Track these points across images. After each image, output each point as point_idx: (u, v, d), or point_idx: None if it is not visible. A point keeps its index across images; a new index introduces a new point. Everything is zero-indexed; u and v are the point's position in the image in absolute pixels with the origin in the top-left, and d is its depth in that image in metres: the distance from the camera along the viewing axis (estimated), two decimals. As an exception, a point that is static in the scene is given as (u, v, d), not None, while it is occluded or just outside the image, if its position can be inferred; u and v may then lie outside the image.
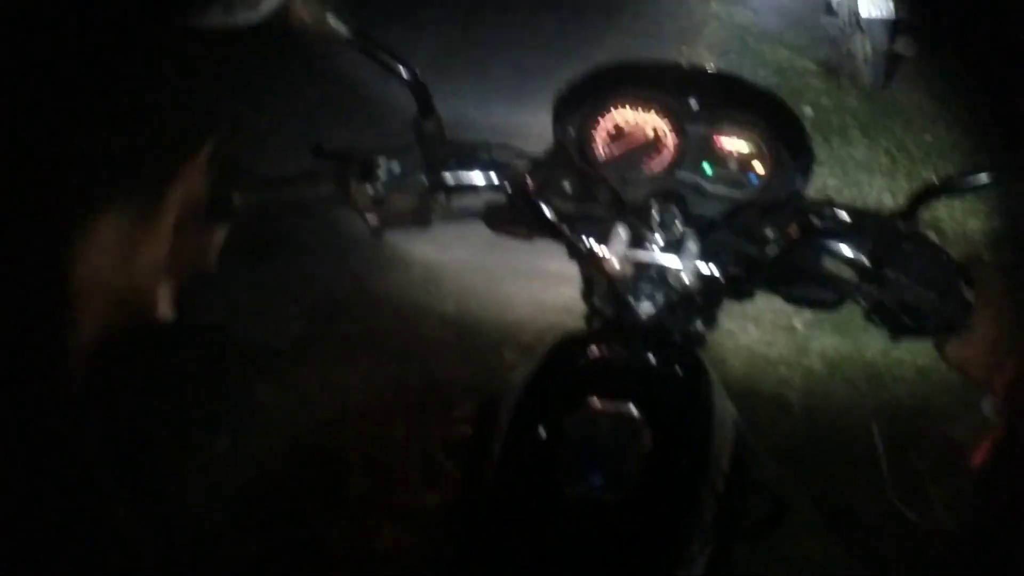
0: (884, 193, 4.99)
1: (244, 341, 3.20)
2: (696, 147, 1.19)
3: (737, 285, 1.16)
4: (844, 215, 1.14)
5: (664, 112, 1.20)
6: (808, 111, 5.79)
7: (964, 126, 5.97)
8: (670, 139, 1.19)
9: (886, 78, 6.41)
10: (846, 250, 1.12)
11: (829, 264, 1.14)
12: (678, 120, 1.19)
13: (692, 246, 1.08)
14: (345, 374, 3.30)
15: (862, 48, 6.31)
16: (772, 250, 1.12)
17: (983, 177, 1.09)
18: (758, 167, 1.19)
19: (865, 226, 1.14)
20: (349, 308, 3.56)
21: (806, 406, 3.48)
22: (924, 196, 1.13)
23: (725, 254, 1.13)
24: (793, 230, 1.11)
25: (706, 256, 1.10)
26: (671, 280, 1.08)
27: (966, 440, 2.75)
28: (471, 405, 3.03)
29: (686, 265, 1.07)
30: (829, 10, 6.65)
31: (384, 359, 3.35)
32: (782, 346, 3.65)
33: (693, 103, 1.20)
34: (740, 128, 1.20)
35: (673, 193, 1.15)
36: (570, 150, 1.21)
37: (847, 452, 3.21)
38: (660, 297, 1.09)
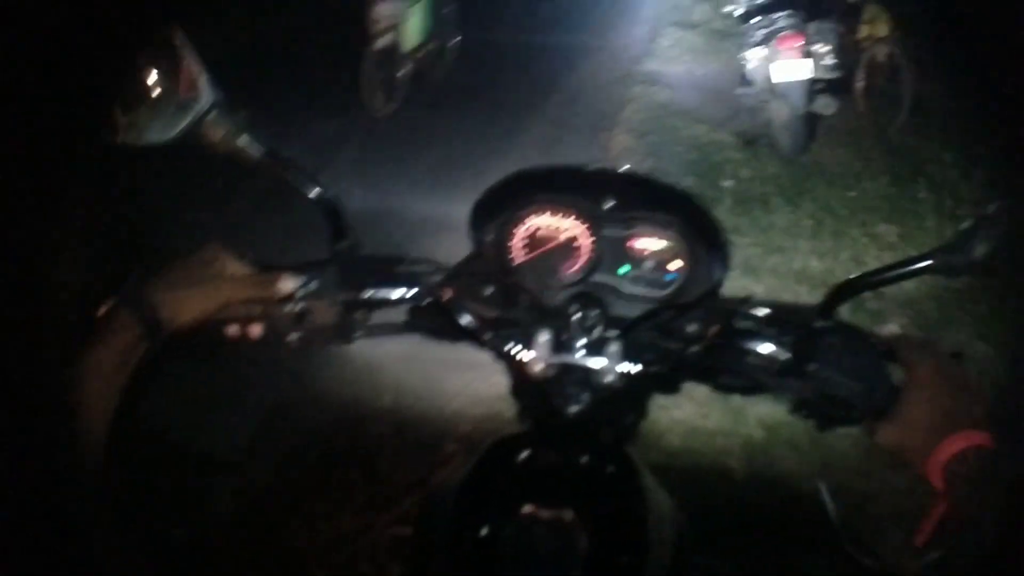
0: (810, 256, 5.04)
1: (193, 449, 3.18)
2: (612, 248, 1.20)
3: (661, 381, 1.18)
4: (763, 312, 1.15)
5: (579, 215, 1.21)
6: (728, 183, 5.93)
7: (890, 178, 6.20)
8: (586, 242, 1.20)
9: (805, 141, 6.59)
10: (766, 348, 1.12)
11: (752, 359, 1.14)
12: (593, 223, 1.21)
13: (614, 347, 1.08)
14: (293, 475, 3.28)
15: (779, 114, 6.52)
16: (694, 348, 1.12)
17: (901, 270, 1.11)
18: (675, 265, 1.19)
19: (784, 323, 1.14)
20: (293, 410, 3.55)
21: (749, 473, 3.50)
22: (843, 291, 1.14)
23: (647, 353, 1.12)
24: (713, 331, 1.12)
25: (628, 356, 1.09)
26: (595, 380, 1.08)
27: (915, 488, 2.77)
28: (413, 501, 3.04)
29: (609, 366, 1.07)
30: (744, 81, 6.89)
31: (330, 458, 3.33)
32: (718, 417, 3.67)
33: (607, 205, 1.22)
34: (655, 228, 1.21)
35: (592, 295, 1.17)
36: (488, 255, 1.22)
37: (795, 514, 3.22)
38: (586, 397, 1.08)
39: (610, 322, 1.12)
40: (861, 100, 7.88)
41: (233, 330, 1.15)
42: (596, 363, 1.07)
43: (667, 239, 1.19)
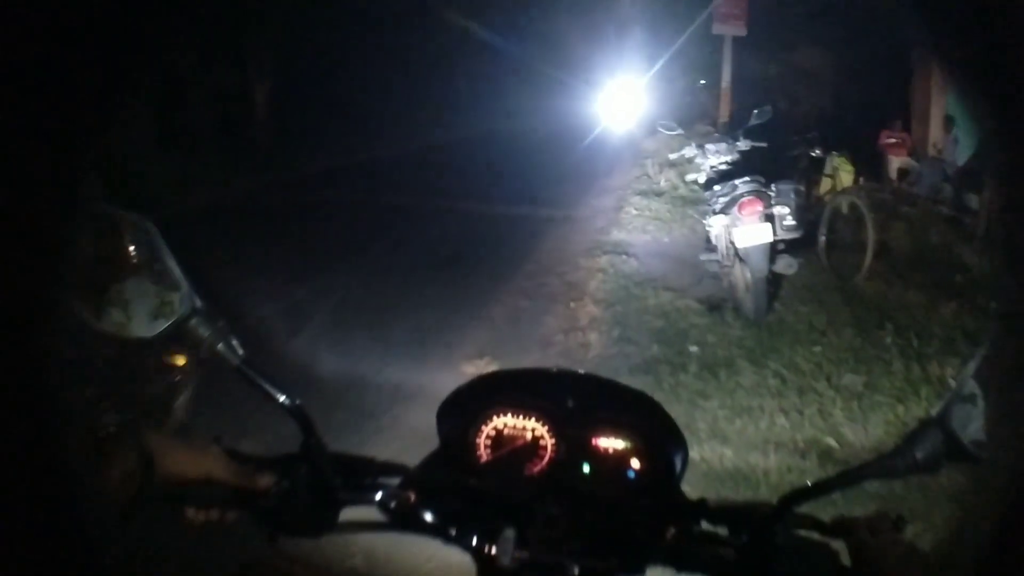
0: (776, 414, 5.04)
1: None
2: (575, 447, 1.24)
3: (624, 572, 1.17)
4: (717, 514, 1.18)
5: (542, 416, 1.25)
6: (694, 349, 5.98)
7: (854, 329, 6.26)
8: (550, 441, 1.24)
9: (769, 303, 6.68)
10: (721, 551, 1.14)
11: (708, 556, 1.15)
12: (556, 423, 1.25)
13: (576, 543, 1.11)
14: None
15: (742, 278, 6.61)
16: (654, 546, 1.15)
17: (850, 477, 1.14)
18: (635, 463, 1.23)
19: (739, 524, 1.16)
20: (264, 571, 3.50)
21: None
22: (794, 498, 1.15)
23: (608, 549, 1.13)
24: (671, 533, 1.15)
25: (590, 552, 1.11)
26: (561, 573, 1.10)
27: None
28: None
29: (570, 563, 1.09)
30: (708, 247, 7.05)
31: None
32: None
33: (570, 406, 1.26)
34: (615, 427, 1.25)
35: (555, 493, 1.19)
36: (455, 453, 1.27)
37: None
38: None
39: (573, 519, 1.14)
40: (824, 254, 8.04)
41: (213, 513, 1.19)
42: (559, 559, 1.10)
43: (627, 439, 1.23)
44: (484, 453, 1.29)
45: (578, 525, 1.14)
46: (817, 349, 6.07)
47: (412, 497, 1.22)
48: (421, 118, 22.10)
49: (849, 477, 1.13)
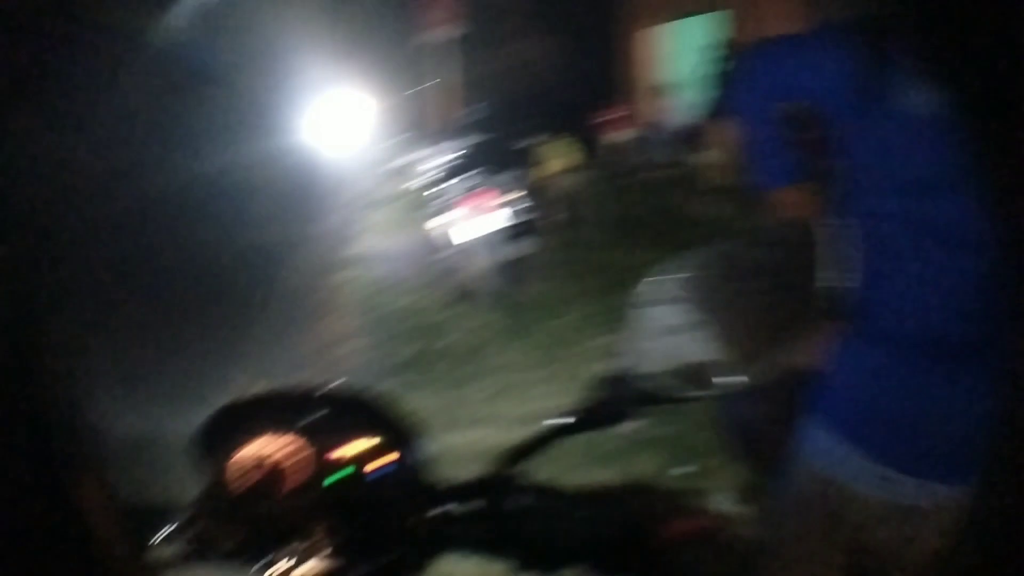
0: (539, 385, 5.28)
1: None
2: (324, 458, 1.23)
3: (400, 569, 1.18)
4: (459, 492, 1.20)
5: (288, 434, 1.24)
6: (448, 341, 6.14)
7: (600, 294, 6.55)
8: (300, 456, 1.23)
9: (510, 285, 6.90)
10: (471, 526, 1.17)
11: (464, 528, 1.18)
12: (301, 439, 1.24)
13: (352, 549, 1.13)
14: None
15: (480, 268, 6.83)
16: (415, 533, 1.17)
17: (559, 431, 1.18)
18: (379, 463, 1.23)
19: (478, 491, 1.19)
20: None
21: None
22: (509, 461, 1.19)
23: (380, 548, 1.16)
24: (425, 519, 1.17)
25: (365, 555, 1.13)
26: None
27: None
28: None
29: (351, 569, 1.12)
30: (445, 244, 7.16)
31: None
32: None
33: (312, 419, 1.26)
34: (355, 433, 1.25)
35: (316, 507, 1.20)
36: (218, 486, 1.26)
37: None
38: None
39: (340, 527, 1.16)
40: (558, 232, 8.37)
41: None
42: (341, 568, 1.12)
43: (367, 440, 1.24)
44: (244, 481, 1.30)
45: (347, 532, 1.16)
46: (563, 320, 6.35)
47: (192, 533, 1.22)
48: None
49: (557, 431, 1.17)
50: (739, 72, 2.29)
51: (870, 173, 1.91)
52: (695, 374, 1.12)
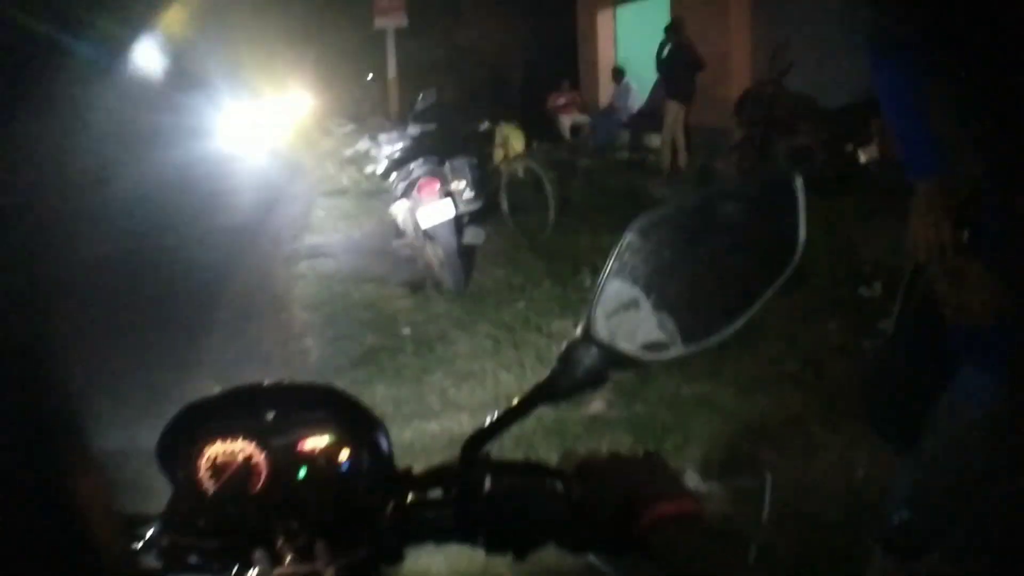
0: (499, 371, 5.31)
1: None
2: (285, 457, 1.24)
3: (374, 563, 1.18)
4: (426, 479, 1.20)
5: (247, 435, 1.24)
6: (407, 331, 6.14)
7: (552, 280, 6.60)
8: (260, 458, 1.23)
9: (465, 273, 6.91)
10: (440, 512, 1.17)
11: (430, 517, 1.18)
12: (260, 438, 1.24)
13: (320, 547, 1.12)
14: None
15: (435, 255, 6.82)
16: (383, 525, 1.17)
17: (519, 411, 1.15)
18: (343, 455, 1.24)
19: (442, 478, 1.19)
20: None
21: None
22: (475, 441, 1.17)
23: (350, 543, 1.15)
24: (391, 506, 1.17)
25: (337, 552, 1.12)
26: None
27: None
28: None
29: (322, 567, 1.10)
30: (398, 233, 7.19)
31: None
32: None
33: (269, 419, 1.26)
34: (315, 427, 1.26)
35: (284, 505, 1.19)
36: (184, 493, 1.24)
37: None
38: None
39: (309, 525, 1.16)
40: (510, 219, 8.38)
41: None
42: (313, 567, 1.11)
43: (329, 434, 1.25)
44: (209, 486, 1.27)
45: (316, 529, 1.15)
46: (521, 305, 6.38)
47: (164, 543, 1.20)
48: None
49: (520, 408, 1.16)
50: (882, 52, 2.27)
51: None
52: (657, 340, 1.11)
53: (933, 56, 2.07)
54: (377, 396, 4.94)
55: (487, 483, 1.15)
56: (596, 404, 5.03)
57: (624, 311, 1.11)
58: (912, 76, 2.19)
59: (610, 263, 1.10)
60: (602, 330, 1.08)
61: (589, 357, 1.10)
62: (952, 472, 2.26)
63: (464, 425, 4.65)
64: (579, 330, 1.09)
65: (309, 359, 5.96)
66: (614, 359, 1.10)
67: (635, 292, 1.11)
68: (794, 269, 1.13)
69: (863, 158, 8.46)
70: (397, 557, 1.19)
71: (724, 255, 1.17)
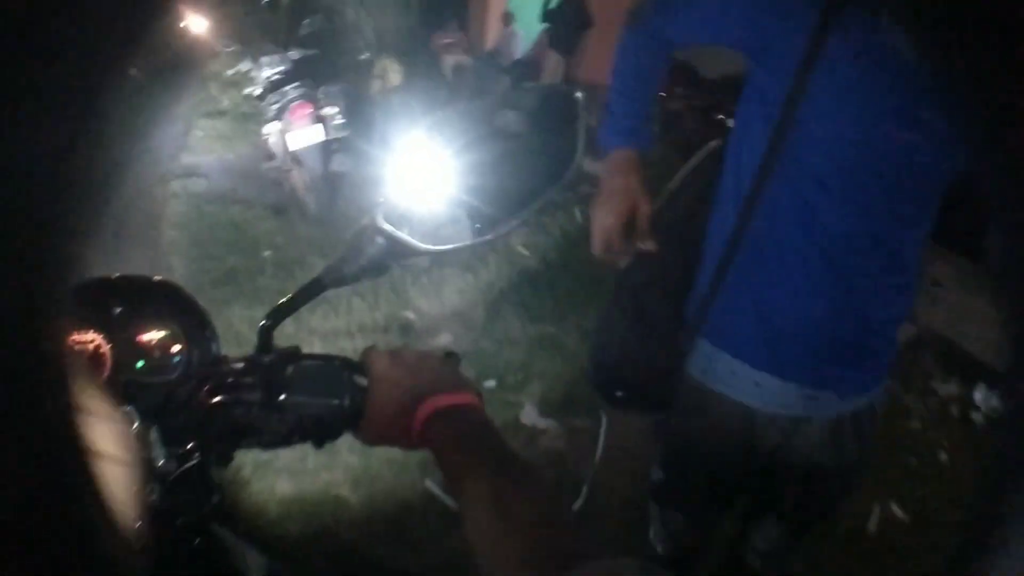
0: (353, 299, 5.51)
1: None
2: (127, 348, 1.26)
3: (211, 456, 1.21)
4: (236, 365, 1.23)
5: (95, 326, 1.26)
6: (267, 253, 6.30)
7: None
8: (105, 348, 1.25)
9: (330, 200, 7.02)
10: (247, 395, 1.19)
11: (246, 410, 1.20)
12: (107, 330, 1.26)
13: (153, 437, 1.13)
14: None
15: (302, 180, 6.93)
16: (208, 417, 1.19)
17: (305, 294, 1.21)
18: (176, 349, 1.27)
19: (254, 368, 1.21)
20: None
21: (360, 498, 3.84)
22: (265, 329, 1.22)
23: (183, 434, 1.17)
24: (204, 397, 1.19)
25: (170, 442, 1.14)
26: (157, 473, 1.13)
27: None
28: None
29: (157, 454, 1.12)
30: (268, 156, 7.23)
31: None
32: (315, 457, 3.86)
33: (116, 312, 1.28)
34: (153, 321, 1.28)
35: (124, 394, 1.21)
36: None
37: (411, 518, 3.71)
38: (156, 489, 1.13)
39: (145, 414, 1.15)
40: (377, 148, 8.49)
41: None
42: (146, 455, 1.12)
43: (165, 328, 1.27)
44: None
45: (150, 418, 1.16)
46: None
47: None
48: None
49: (306, 292, 1.20)
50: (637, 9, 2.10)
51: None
52: (445, 232, 1.18)
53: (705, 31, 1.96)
54: (235, 316, 5.09)
55: (289, 370, 1.18)
56: (444, 337, 5.29)
57: (416, 203, 1.16)
58: (656, 48, 2.10)
59: (401, 159, 1.15)
60: (390, 219, 1.13)
61: (373, 246, 1.14)
62: (689, 442, 2.30)
63: (316, 348, 4.81)
64: (366, 219, 1.14)
65: (173, 277, 5.88)
66: (397, 248, 1.14)
67: (428, 185, 1.15)
68: (573, 174, 1.20)
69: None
70: (226, 458, 1.21)
71: (509, 157, 1.20)
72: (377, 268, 1.17)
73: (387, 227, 1.12)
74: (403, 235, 1.12)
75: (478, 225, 1.18)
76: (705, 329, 2.08)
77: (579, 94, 1.20)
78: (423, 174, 1.15)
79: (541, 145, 1.22)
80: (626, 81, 2.15)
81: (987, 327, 4.89)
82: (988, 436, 4.51)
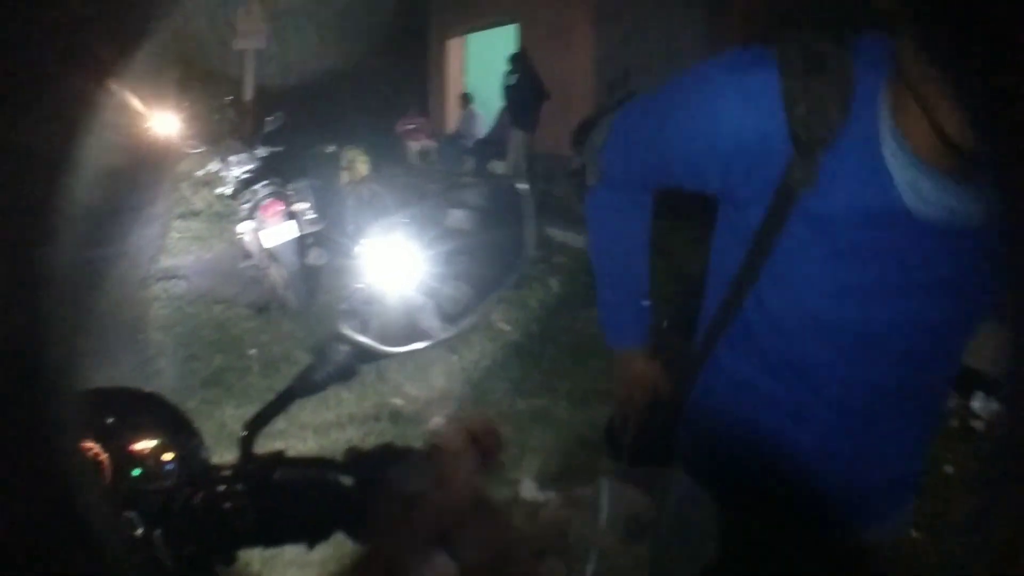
0: (342, 391, 5.56)
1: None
2: (122, 456, 1.25)
3: (215, 557, 1.21)
4: (225, 473, 1.23)
5: (93, 435, 1.25)
6: (253, 351, 6.36)
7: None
8: (103, 456, 1.24)
9: (309, 293, 7.11)
10: (238, 501, 1.18)
11: (230, 515, 1.19)
12: (102, 439, 1.25)
13: (157, 541, 1.14)
14: None
15: (279, 276, 7.02)
16: (201, 524, 1.19)
17: (277, 404, 1.19)
18: (168, 456, 1.26)
19: (243, 475, 1.21)
20: None
21: None
22: (247, 438, 1.20)
23: (184, 537, 1.17)
24: (199, 505, 1.19)
25: (174, 544, 1.15)
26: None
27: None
28: None
29: (164, 556, 1.13)
30: (245, 254, 7.33)
31: None
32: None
33: (109, 423, 1.29)
34: (146, 431, 1.29)
35: (123, 501, 1.21)
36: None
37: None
38: None
39: (145, 518, 1.17)
40: (352, 239, 8.56)
41: None
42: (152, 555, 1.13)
43: (156, 437, 1.27)
44: None
45: (153, 522, 1.17)
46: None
47: None
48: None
49: (282, 400, 1.19)
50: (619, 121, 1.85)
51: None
52: (402, 335, 1.16)
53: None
54: (226, 416, 5.14)
55: (277, 475, 1.19)
56: (436, 420, 5.36)
57: (377, 308, 1.15)
58: (629, 207, 1.95)
59: (361, 262, 1.15)
60: (352, 326, 1.12)
61: (339, 353, 1.13)
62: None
63: (309, 442, 4.95)
64: (342, 321, 1.13)
65: (162, 380, 6.05)
66: (362, 353, 1.13)
67: (386, 289, 1.15)
68: (522, 271, 1.21)
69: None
70: (230, 558, 1.21)
71: (460, 256, 1.19)
72: (345, 373, 1.16)
73: (350, 334, 1.12)
74: (366, 340, 1.12)
75: (436, 324, 1.17)
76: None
77: (524, 186, 1.21)
78: (382, 277, 1.16)
79: (491, 242, 1.21)
80: (614, 262, 2.06)
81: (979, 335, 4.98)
82: (990, 439, 4.54)
